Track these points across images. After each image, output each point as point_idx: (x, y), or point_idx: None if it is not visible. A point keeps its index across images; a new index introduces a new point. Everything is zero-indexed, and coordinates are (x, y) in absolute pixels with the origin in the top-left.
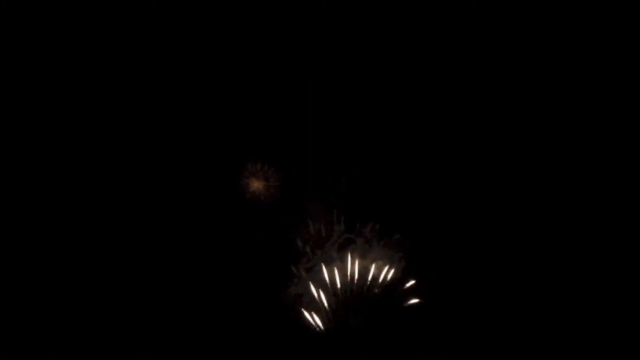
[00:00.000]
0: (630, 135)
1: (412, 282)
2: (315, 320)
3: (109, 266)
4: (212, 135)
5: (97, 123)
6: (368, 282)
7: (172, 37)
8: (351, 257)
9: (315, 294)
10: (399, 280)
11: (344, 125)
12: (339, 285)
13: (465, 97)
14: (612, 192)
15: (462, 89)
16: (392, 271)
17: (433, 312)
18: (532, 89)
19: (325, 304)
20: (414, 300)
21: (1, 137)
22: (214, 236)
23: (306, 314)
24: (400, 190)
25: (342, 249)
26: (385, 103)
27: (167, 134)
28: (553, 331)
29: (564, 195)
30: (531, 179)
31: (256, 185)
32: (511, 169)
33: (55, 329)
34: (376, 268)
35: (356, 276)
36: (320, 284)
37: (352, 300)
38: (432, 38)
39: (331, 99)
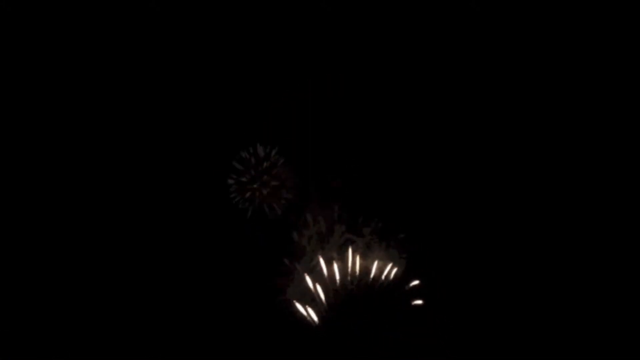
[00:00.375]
0: (630, 136)
1: (415, 282)
2: (310, 315)
3: (108, 265)
4: (213, 134)
5: (98, 123)
6: (369, 281)
7: (172, 38)
8: (352, 256)
9: (312, 288)
10: (400, 280)
11: (345, 124)
12: (338, 281)
13: (466, 97)
14: (612, 192)
15: (462, 89)
16: (393, 271)
17: (433, 312)
18: (532, 89)
19: (323, 299)
20: (418, 302)
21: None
22: (214, 236)
23: (300, 308)
24: (402, 190)
25: (343, 249)
26: (387, 104)
27: (169, 134)
28: (553, 331)
29: (564, 196)
30: (531, 179)
31: (265, 190)
32: (512, 169)
33: (52, 329)
34: (377, 268)
35: (357, 274)
36: (319, 281)
37: (351, 297)
38: (432, 38)
39: (331, 98)
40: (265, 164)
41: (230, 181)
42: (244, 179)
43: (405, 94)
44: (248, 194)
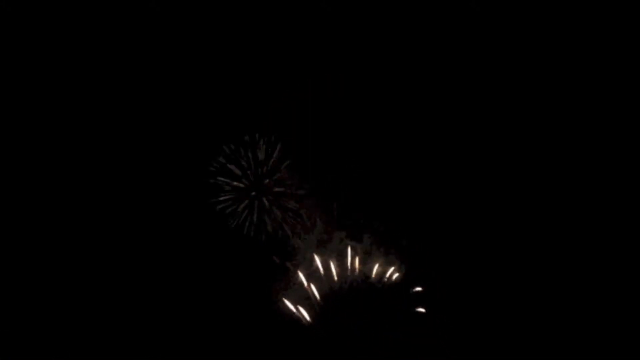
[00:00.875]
0: (630, 136)
1: (418, 289)
2: (306, 318)
3: (112, 263)
4: (210, 134)
5: (103, 123)
6: (367, 285)
7: (172, 38)
8: (351, 261)
9: (310, 292)
10: (399, 282)
11: (346, 124)
12: (336, 286)
13: (466, 98)
14: (612, 192)
15: (462, 90)
16: (394, 275)
17: (433, 313)
18: (532, 90)
19: (320, 303)
20: (421, 309)
21: None
22: (214, 235)
23: (295, 311)
24: (402, 192)
25: (342, 254)
26: (386, 105)
27: (165, 135)
28: (552, 332)
29: (564, 203)
30: (530, 188)
31: (267, 198)
32: (512, 174)
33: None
34: (377, 273)
35: (355, 278)
36: (317, 285)
37: (349, 301)
38: (432, 38)
39: (331, 98)
40: (265, 167)
41: (227, 188)
42: (240, 185)
43: (405, 95)
44: (245, 202)
